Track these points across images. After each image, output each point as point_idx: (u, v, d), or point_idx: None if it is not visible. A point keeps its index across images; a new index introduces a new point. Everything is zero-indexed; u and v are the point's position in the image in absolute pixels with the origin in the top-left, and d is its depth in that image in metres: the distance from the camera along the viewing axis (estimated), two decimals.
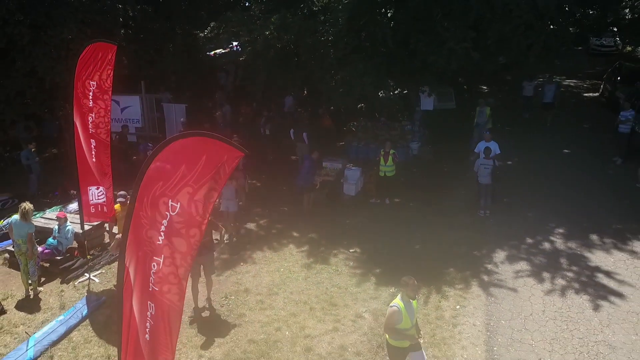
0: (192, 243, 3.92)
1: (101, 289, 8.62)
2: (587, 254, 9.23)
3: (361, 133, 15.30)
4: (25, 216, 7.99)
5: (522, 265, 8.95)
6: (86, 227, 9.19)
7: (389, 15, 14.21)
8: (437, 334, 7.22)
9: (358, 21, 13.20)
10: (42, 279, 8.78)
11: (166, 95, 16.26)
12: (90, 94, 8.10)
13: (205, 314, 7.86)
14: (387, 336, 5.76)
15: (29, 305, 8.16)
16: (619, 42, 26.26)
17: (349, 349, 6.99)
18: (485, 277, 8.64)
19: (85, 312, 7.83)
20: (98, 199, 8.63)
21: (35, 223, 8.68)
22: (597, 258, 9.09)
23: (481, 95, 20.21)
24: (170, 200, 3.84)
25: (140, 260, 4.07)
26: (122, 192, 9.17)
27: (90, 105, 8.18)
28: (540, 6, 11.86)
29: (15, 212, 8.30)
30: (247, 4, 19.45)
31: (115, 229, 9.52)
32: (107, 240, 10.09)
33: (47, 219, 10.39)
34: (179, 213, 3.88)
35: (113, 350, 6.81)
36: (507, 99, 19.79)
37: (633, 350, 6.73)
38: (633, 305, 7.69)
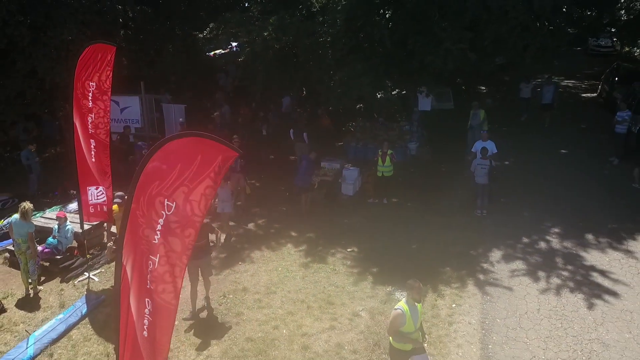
0: (187, 243, 3.99)
1: (100, 288, 8.70)
2: (583, 253, 9.30)
3: (360, 133, 15.37)
4: (25, 216, 8.07)
5: (518, 265, 9.02)
6: (86, 227, 9.24)
7: (387, 16, 14.27)
8: (433, 332, 7.29)
9: (356, 22, 13.27)
10: (42, 278, 8.87)
11: (166, 96, 16.35)
12: (90, 94, 8.17)
13: (204, 312, 7.94)
14: (390, 338, 5.75)
15: (29, 303, 8.24)
16: (617, 42, 26.33)
17: (346, 347, 7.06)
18: (481, 276, 8.72)
19: (84, 310, 7.91)
20: (97, 199, 8.69)
21: (35, 222, 8.77)
22: (593, 257, 9.17)
23: (479, 95, 20.27)
24: (166, 200, 3.91)
25: (137, 258, 4.14)
26: (119, 193, 9.23)
27: (90, 105, 8.24)
28: (536, 7, 11.92)
29: (16, 211, 8.37)
30: (246, 5, 19.54)
31: (113, 229, 9.60)
32: (106, 240, 10.16)
33: (47, 218, 10.47)
34: (175, 212, 3.95)
35: (112, 348, 6.88)
36: (505, 99, 19.85)
37: (626, 348, 6.81)
38: (627, 303, 7.77)
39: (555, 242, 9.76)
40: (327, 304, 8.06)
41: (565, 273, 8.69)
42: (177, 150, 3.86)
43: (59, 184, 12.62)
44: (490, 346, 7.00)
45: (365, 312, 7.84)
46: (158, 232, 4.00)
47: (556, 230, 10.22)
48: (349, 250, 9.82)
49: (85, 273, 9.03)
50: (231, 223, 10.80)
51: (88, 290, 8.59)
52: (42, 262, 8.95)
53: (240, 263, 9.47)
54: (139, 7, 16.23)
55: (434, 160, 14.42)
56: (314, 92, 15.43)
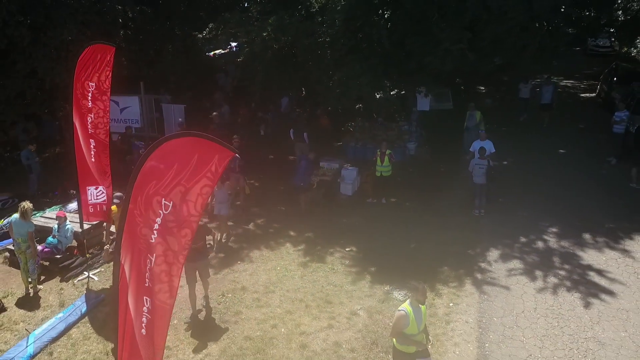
0: (184, 243, 4.04)
1: (100, 287, 8.75)
2: (580, 253, 9.35)
3: (359, 133, 15.41)
4: (25, 215, 8.11)
5: (515, 264, 9.07)
6: (85, 226, 9.30)
7: (385, 16, 14.31)
8: (430, 331, 7.27)
9: (354, 22, 13.31)
10: (42, 277, 8.91)
11: (165, 96, 16.40)
12: (89, 94, 8.22)
13: (202, 311, 7.97)
14: (393, 340, 5.69)
15: (29, 302, 8.29)
16: (615, 43, 26.36)
17: (344, 346, 7.11)
18: (479, 276, 8.76)
19: (84, 309, 7.96)
20: (97, 199, 8.74)
21: (35, 222, 8.82)
22: (590, 257, 9.21)
23: (478, 95, 20.33)
24: (163, 199, 3.96)
25: (135, 257, 4.19)
26: (118, 194, 9.27)
27: (90, 106, 8.30)
28: (535, 8, 11.96)
29: (16, 211, 8.41)
30: (246, 5, 19.58)
31: (113, 228, 9.64)
32: (105, 239, 10.19)
33: (47, 218, 10.51)
34: (172, 212, 4.00)
35: (111, 347, 6.93)
36: (505, 99, 19.89)
37: (622, 346, 6.86)
38: (623, 302, 7.82)
39: (552, 242, 9.81)
40: (325, 303, 8.11)
41: (562, 272, 8.74)
42: (174, 150, 3.91)
43: (59, 184, 12.67)
44: (487, 345, 7.05)
45: (363, 311, 7.89)
46: (155, 232, 4.05)
47: (554, 229, 10.26)
48: (347, 249, 9.87)
49: (84, 272, 9.08)
50: (230, 223, 10.84)
51: (87, 289, 8.64)
52: (42, 262, 9.00)
53: (239, 262, 9.51)
54: (139, 8, 16.27)
55: (432, 160, 14.46)
56: (313, 92, 15.47)
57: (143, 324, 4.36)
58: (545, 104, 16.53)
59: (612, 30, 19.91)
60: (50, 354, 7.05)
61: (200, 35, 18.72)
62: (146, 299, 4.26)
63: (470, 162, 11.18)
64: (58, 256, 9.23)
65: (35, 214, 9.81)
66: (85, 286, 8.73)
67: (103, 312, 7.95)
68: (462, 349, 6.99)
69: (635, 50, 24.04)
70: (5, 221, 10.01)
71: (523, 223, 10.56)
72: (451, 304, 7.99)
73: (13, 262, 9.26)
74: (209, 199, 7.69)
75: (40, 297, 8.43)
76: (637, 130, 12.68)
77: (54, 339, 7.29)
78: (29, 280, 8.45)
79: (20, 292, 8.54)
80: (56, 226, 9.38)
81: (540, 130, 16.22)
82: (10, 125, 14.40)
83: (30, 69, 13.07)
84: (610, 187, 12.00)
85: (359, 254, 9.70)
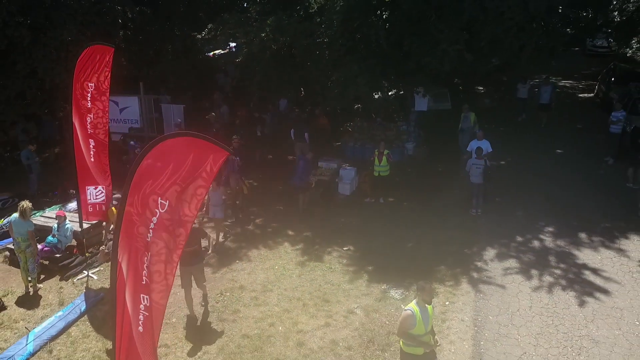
0: (178, 242, 4.11)
1: (99, 286, 8.82)
2: (575, 252, 9.42)
3: (357, 133, 15.48)
4: (24, 214, 8.18)
5: (511, 263, 9.14)
6: (85, 226, 9.39)
7: (384, 17, 14.37)
8: None
9: (353, 23, 13.38)
10: (42, 276, 8.99)
11: (165, 97, 16.47)
12: (89, 95, 8.30)
13: (201, 310, 8.03)
14: (400, 342, 5.57)
15: (29, 301, 8.36)
16: (612, 43, 26.41)
17: (340, 344, 7.18)
18: (475, 275, 8.83)
19: (83, 308, 8.03)
20: (96, 199, 8.82)
21: (35, 221, 8.90)
22: (585, 256, 9.28)
23: (477, 95, 20.39)
24: (159, 198, 4.03)
25: (132, 255, 4.26)
26: (117, 196, 9.34)
27: (89, 106, 8.37)
28: (531, 9, 12.03)
29: (16, 211, 8.48)
30: (245, 5, 19.64)
31: (112, 228, 9.71)
32: (104, 239, 10.27)
33: (46, 217, 10.58)
34: (168, 210, 4.07)
35: (110, 345, 6.99)
36: (503, 99, 19.94)
37: (615, 344, 6.92)
38: (617, 301, 7.88)
39: (548, 241, 9.87)
40: (322, 301, 8.18)
41: (557, 271, 8.81)
42: (170, 149, 3.98)
43: (59, 184, 12.75)
44: (482, 343, 7.11)
45: (360, 309, 7.95)
46: (151, 230, 4.12)
47: (550, 229, 10.33)
48: (345, 249, 9.94)
49: (84, 271, 9.15)
50: (228, 222, 10.93)
51: (87, 288, 8.71)
52: (41, 261, 9.07)
53: (237, 261, 9.58)
54: (138, 8, 16.35)
55: (430, 160, 14.53)
56: (312, 93, 15.55)
57: (140, 322, 4.43)
58: (544, 104, 16.55)
59: (609, 30, 19.93)
60: (50, 351, 7.12)
61: (199, 36, 18.79)
62: (143, 297, 4.33)
63: (467, 162, 11.24)
64: (58, 255, 9.30)
65: (35, 214, 9.89)
66: (85, 285, 8.80)
67: (102, 311, 8.02)
68: (457, 347, 7.06)
69: (630, 51, 24.09)
70: (5, 221, 10.09)
71: (520, 222, 10.63)
72: (447, 303, 8.06)
73: (13, 261, 9.33)
74: (204, 198, 7.65)
75: (40, 296, 8.50)
76: (634, 130, 12.73)
77: (54, 337, 7.36)
78: (29, 279, 8.53)
79: (20, 290, 8.62)
80: (56, 225, 9.45)
81: (538, 130, 16.27)
82: (10, 126, 14.47)
83: (30, 69, 13.14)
84: (607, 187, 12.06)
85: (356, 253, 9.77)
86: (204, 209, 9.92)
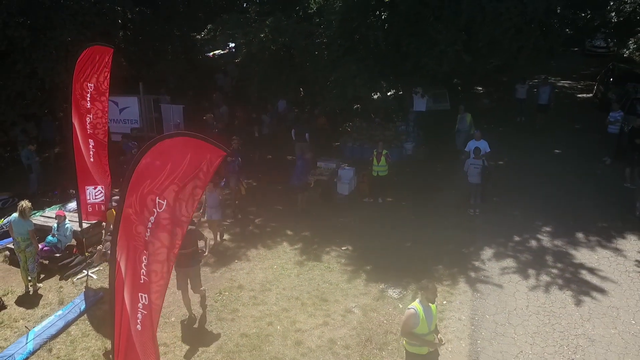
0: (174, 241, 4.16)
1: (99, 285, 8.86)
2: (572, 252, 9.46)
3: (356, 133, 15.53)
4: (23, 214, 8.23)
5: (509, 262, 9.18)
6: (84, 226, 9.43)
7: (382, 17, 14.42)
8: None
9: (351, 24, 13.42)
10: (42, 276, 9.04)
11: (165, 97, 16.51)
12: (88, 95, 8.34)
13: (199, 309, 8.08)
14: (404, 342, 5.53)
15: (29, 300, 8.41)
16: (611, 43, 26.45)
17: (338, 343, 7.22)
18: (472, 274, 8.88)
19: (83, 307, 8.07)
20: (95, 199, 8.86)
21: (35, 221, 8.95)
22: (582, 255, 9.32)
23: (476, 96, 20.44)
24: (157, 198, 4.08)
25: (131, 254, 4.31)
26: (116, 197, 9.38)
27: (88, 106, 8.42)
28: (529, 10, 12.07)
29: (15, 211, 8.52)
30: (244, 5, 19.70)
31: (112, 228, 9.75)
32: (103, 239, 10.32)
33: (46, 217, 10.63)
34: (166, 210, 4.12)
35: (110, 344, 7.03)
36: (502, 100, 19.98)
37: (611, 343, 6.97)
38: (614, 300, 7.93)
39: (545, 241, 9.92)
40: (320, 300, 8.22)
41: (554, 271, 8.85)
42: (167, 149, 4.04)
43: (59, 184, 12.79)
44: (479, 341, 7.16)
45: (358, 308, 8.00)
46: (148, 230, 4.17)
47: (547, 229, 10.37)
48: (343, 248, 9.98)
49: (83, 271, 9.20)
50: (227, 222, 10.97)
51: (87, 287, 8.75)
52: (41, 260, 9.11)
53: (236, 261, 9.62)
54: (138, 9, 16.40)
55: (429, 160, 14.57)
56: (311, 93, 15.60)
57: (138, 320, 4.48)
58: (542, 104, 16.56)
59: (607, 31, 19.97)
60: (50, 350, 7.16)
61: (199, 36, 18.83)
62: (142, 296, 4.37)
63: (465, 162, 11.29)
64: (57, 255, 9.34)
65: (35, 213, 9.94)
66: (84, 284, 8.85)
67: (102, 310, 8.07)
68: (454, 346, 7.10)
69: (627, 52, 24.14)
70: (5, 220, 10.13)
71: (517, 222, 10.67)
72: (444, 302, 8.10)
73: (13, 260, 9.37)
74: (201, 197, 7.66)
75: (39, 295, 8.55)
76: (631, 131, 12.78)
77: (54, 336, 7.40)
78: (29, 278, 8.57)
79: (20, 290, 8.66)
80: (55, 225, 9.50)
81: (536, 130, 16.30)
82: (10, 126, 14.52)
83: (30, 70, 13.19)
84: (604, 186, 12.11)
85: (354, 252, 9.81)
86: (201, 209, 9.95)
